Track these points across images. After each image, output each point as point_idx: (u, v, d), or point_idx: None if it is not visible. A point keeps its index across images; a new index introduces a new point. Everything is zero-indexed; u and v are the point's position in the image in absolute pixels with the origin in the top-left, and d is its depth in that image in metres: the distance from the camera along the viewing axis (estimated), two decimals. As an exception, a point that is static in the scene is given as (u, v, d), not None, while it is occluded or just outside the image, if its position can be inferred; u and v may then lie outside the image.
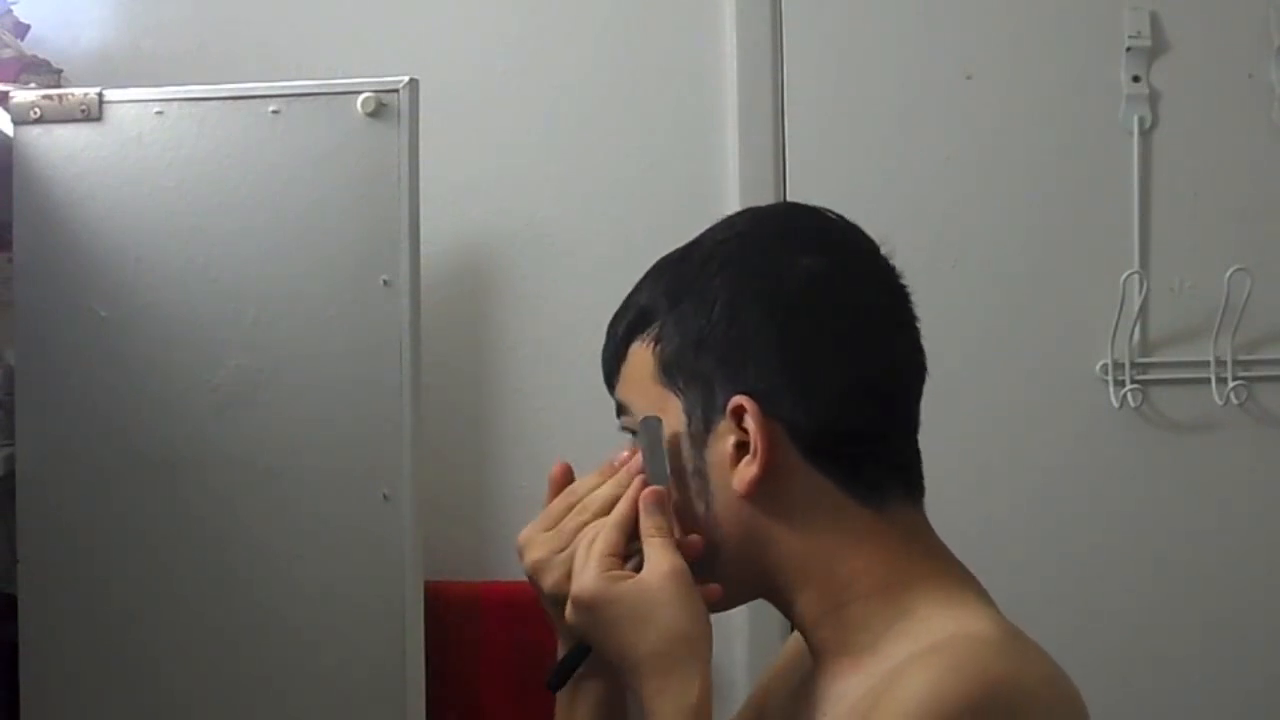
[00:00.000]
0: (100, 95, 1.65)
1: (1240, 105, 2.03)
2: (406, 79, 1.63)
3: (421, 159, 1.64)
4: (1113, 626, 2.02)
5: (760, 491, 0.95)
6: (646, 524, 0.97)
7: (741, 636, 1.88)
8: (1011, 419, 2.04)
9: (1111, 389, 2.01)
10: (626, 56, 2.06)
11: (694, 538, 0.98)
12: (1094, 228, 2.04)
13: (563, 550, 0.99)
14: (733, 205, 1.92)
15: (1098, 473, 2.04)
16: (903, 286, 1.01)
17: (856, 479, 0.96)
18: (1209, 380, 2.01)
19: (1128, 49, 2.03)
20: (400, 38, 2.04)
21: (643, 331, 1.00)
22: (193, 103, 1.65)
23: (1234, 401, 2.01)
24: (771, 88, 2.03)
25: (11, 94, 1.66)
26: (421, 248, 1.64)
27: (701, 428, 0.97)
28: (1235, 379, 2.01)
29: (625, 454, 1.02)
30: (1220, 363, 2.01)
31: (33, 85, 1.74)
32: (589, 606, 0.95)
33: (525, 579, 1.02)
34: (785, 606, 0.99)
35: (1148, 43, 2.02)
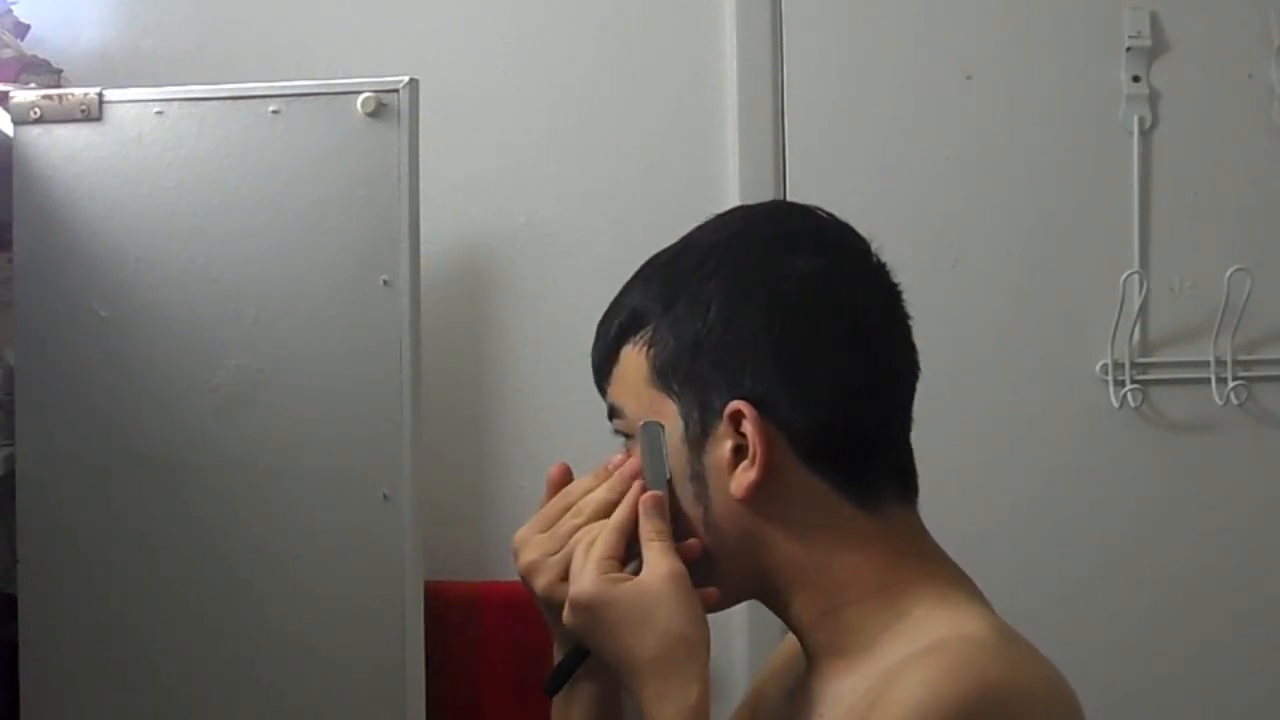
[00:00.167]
0: (100, 95, 1.65)
1: (1240, 105, 2.03)
2: (406, 79, 1.63)
3: (421, 159, 1.64)
4: (1112, 626, 2.02)
5: (758, 496, 0.95)
6: (646, 527, 0.97)
7: (741, 636, 1.88)
8: (1011, 419, 2.04)
9: (1111, 389, 2.01)
10: (626, 56, 2.06)
11: (693, 542, 0.97)
12: (1094, 228, 2.04)
13: (556, 552, 0.99)
14: (732, 205, 1.91)
15: (1098, 473, 2.04)
16: (895, 285, 1.01)
17: (853, 482, 0.96)
18: (1209, 380, 2.01)
19: (1128, 49, 2.02)
20: (400, 38, 2.04)
21: (635, 334, 1.00)
22: (193, 103, 1.65)
23: (1234, 401, 2.01)
24: (771, 88, 2.03)
25: (11, 94, 1.66)
26: (421, 248, 1.64)
27: (699, 431, 0.97)
28: (1235, 379, 2.01)
29: (620, 457, 1.01)
30: (1220, 363, 2.01)
31: (33, 85, 1.74)
32: (587, 608, 0.94)
33: None
34: (781, 609, 0.99)
35: (1148, 43, 2.02)
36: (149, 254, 1.64)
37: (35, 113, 1.64)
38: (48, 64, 1.83)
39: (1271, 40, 2.02)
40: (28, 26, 1.88)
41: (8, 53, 1.80)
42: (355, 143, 1.62)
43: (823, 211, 1.02)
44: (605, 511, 0.99)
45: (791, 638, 1.03)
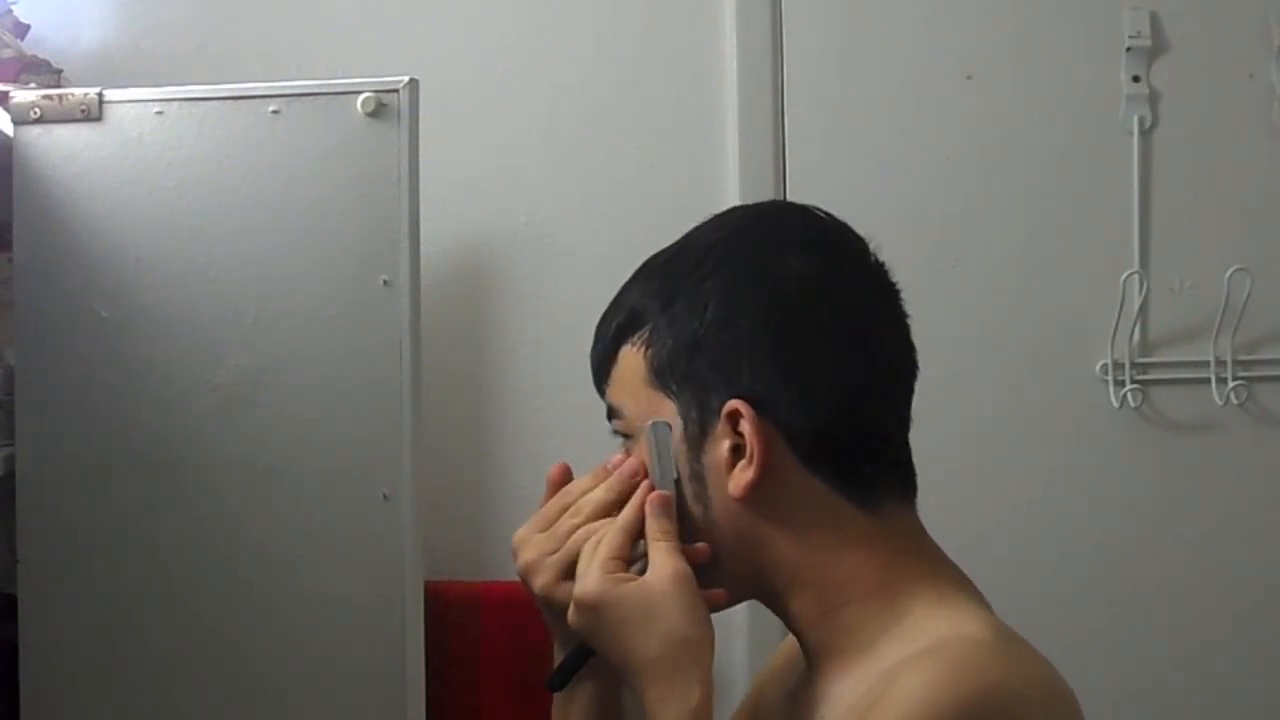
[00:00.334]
0: (100, 95, 1.65)
1: (1240, 105, 2.03)
2: (406, 79, 1.63)
3: (421, 159, 1.64)
4: (1112, 626, 2.02)
5: (756, 495, 0.95)
6: (653, 527, 0.97)
7: (741, 636, 1.88)
8: (1011, 419, 2.04)
9: (1111, 389, 2.01)
10: (626, 56, 2.06)
11: (701, 545, 0.97)
12: (1094, 228, 2.04)
13: (555, 552, 0.99)
14: (732, 205, 1.92)
15: (1098, 473, 2.04)
16: (893, 284, 1.01)
17: (851, 481, 0.96)
18: (1209, 380, 2.01)
19: (1128, 49, 2.02)
20: (400, 38, 2.04)
21: (633, 334, 1.00)
22: (193, 103, 1.65)
23: (1234, 401, 2.01)
24: (771, 88, 2.03)
25: (11, 94, 1.66)
26: (421, 248, 1.64)
27: (697, 431, 0.97)
28: (1235, 379, 2.01)
29: (619, 456, 1.01)
30: (1220, 363, 2.01)
31: (33, 85, 1.74)
32: (592, 608, 0.94)
33: None
34: (780, 609, 0.99)
35: (1148, 43, 2.02)
36: (149, 254, 1.64)
37: (35, 113, 1.64)
38: (48, 64, 1.83)
39: (1271, 40, 2.02)
40: (28, 26, 1.88)
41: (8, 53, 1.80)
42: (355, 143, 1.62)
43: (821, 211, 1.02)
44: (604, 511, 0.99)
45: (792, 638, 1.03)
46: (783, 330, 0.96)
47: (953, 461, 1.93)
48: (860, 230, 1.02)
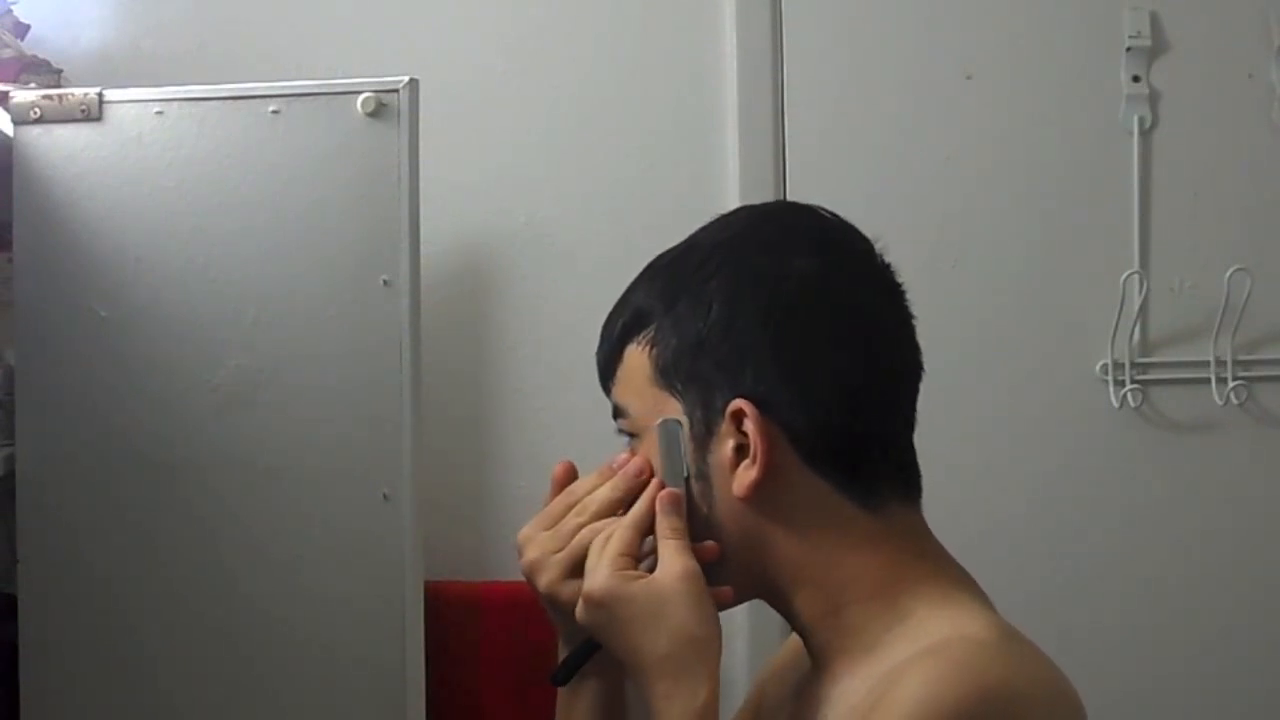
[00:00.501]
0: (100, 95, 1.65)
1: (1240, 105, 2.03)
2: (406, 79, 1.63)
3: (421, 159, 1.64)
4: (1113, 626, 2.02)
5: (759, 495, 0.95)
6: (663, 525, 0.97)
7: (742, 635, 1.88)
8: (1011, 419, 2.04)
9: (1111, 389, 2.01)
10: (626, 56, 2.06)
11: (710, 543, 0.98)
12: (1094, 228, 2.04)
13: (559, 550, 0.99)
14: (732, 205, 1.90)
15: (1098, 473, 2.04)
16: (898, 285, 1.01)
17: (854, 481, 0.96)
18: (1209, 380, 2.01)
19: (1128, 49, 2.03)
20: (400, 38, 2.04)
21: (638, 334, 1.00)
22: (193, 103, 1.65)
23: (1234, 401, 2.01)
24: (771, 88, 2.03)
25: (11, 94, 1.66)
26: (421, 248, 1.64)
27: (702, 430, 0.97)
28: (1235, 379, 2.01)
29: (624, 455, 1.01)
30: (1220, 363, 2.01)
31: (33, 85, 1.74)
32: (601, 604, 0.95)
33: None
34: (784, 608, 0.99)
35: (1148, 43, 2.02)
36: (149, 254, 1.64)
37: (35, 113, 1.64)
38: (48, 64, 1.83)
39: (1271, 40, 2.02)
40: (28, 26, 1.88)
41: (8, 53, 1.80)
42: (355, 143, 1.62)
43: (826, 211, 1.02)
44: (609, 510, 0.99)
45: (795, 637, 1.03)
46: (784, 330, 0.96)
47: (953, 461, 1.93)
48: (861, 230, 1.02)
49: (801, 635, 1.00)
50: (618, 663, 0.98)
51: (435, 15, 2.06)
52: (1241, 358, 2.01)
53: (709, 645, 0.93)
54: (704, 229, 1.03)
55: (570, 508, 1.01)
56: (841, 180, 2.01)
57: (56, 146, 1.64)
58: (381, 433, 1.61)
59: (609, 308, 1.05)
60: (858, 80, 2.05)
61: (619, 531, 0.97)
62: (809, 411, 0.95)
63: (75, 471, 1.64)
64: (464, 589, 1.95)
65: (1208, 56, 2.04)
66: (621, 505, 0.99)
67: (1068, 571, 2.03)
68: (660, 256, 1.03)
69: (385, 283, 1.61)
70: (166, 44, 2.03)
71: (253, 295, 1.63)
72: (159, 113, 1.65)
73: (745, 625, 1.84)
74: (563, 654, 1.04)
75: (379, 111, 1.61)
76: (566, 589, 0.98)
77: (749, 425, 0.94)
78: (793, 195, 2.00)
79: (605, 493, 1.00)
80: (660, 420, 0.98)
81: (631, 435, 1.01)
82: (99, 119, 1.64)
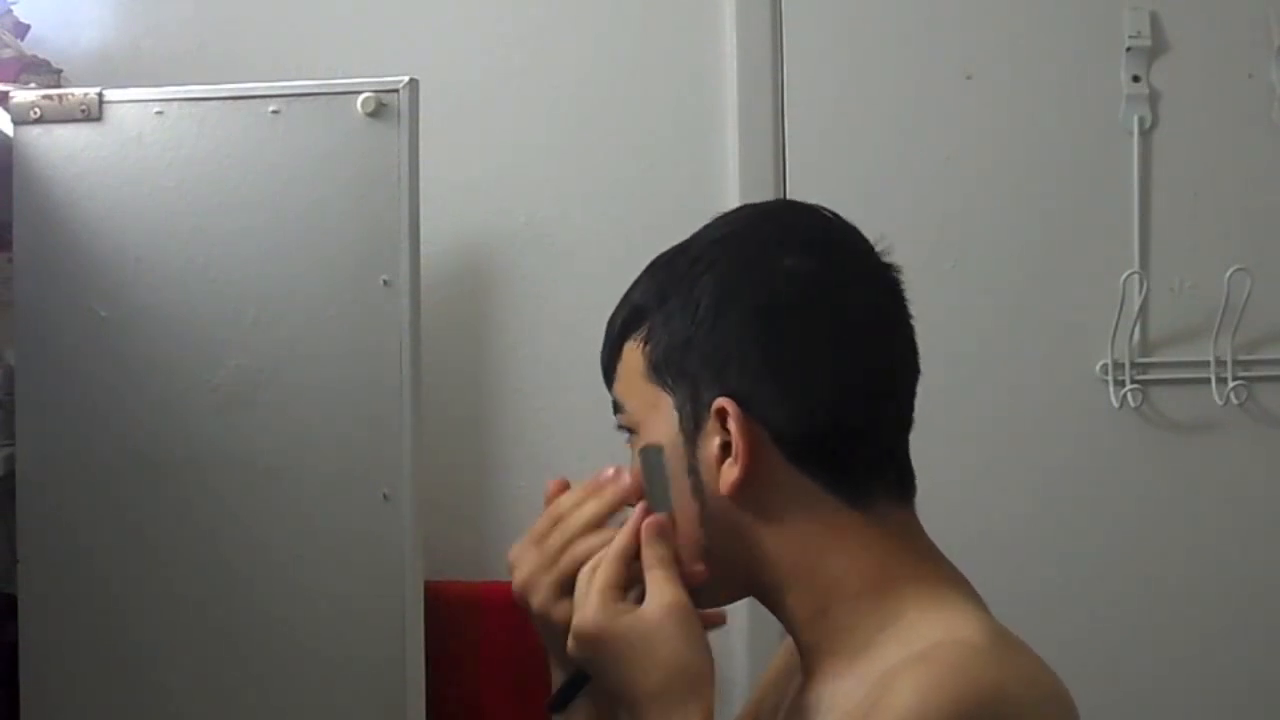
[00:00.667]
0: (100, 95, 1.65)
1: (1240, 105, 2.03)
2: (406, 79, 1.63)
3: (421, 159, 1.64)
4: (1112, 626, 2.02)
5: (744, 493, 0.95)
6: (649, 554, 0.96)
7: (742, 636, 1.88)
8: (1011, 419, 2.04)
9: (1111, 389, 2.01)
10: (626, 56, 2.06)
11: (698, 567, 0.97)
12: (1094, 228, 2.04)
13: (549, 570, 0.99)
14: (732, 205, 1.91)
15: (1098, 473, 2.04)
16: (898, 285, 1.00)
17: (842, 480, 0.96)
18: (1209, 380, 2.01)
19: (1128, 49, 2.03)
20: (400, 38, 2.04)
21: (635, 330, 1.00)
22: (193, 103, 1.64)
23: (1234, 401, 2.01)
24: (771, 88, 2.04)
25: (11, 94, 1.66)
26: (421, 248, 1.64)
27: (692, 427, 0.97)
28: (1235, 379, 2.01)
29: (611, 469, 1.01)
30: (1220, 363, 2.01)
31: (33, 85, 1.74)
32: (591, 641, 0.94)
33: None
34: (774, 606, 0.99)
35: (1148, 43, 2.02)
36: (149, 254, 1.64)
37: (35, 113, 1.64)
38: (48, 64, 1.83)
39: (1271, 40, 2.02)
40: (28, 26, 1.88)
41: (8, 53, 1.80)
42: (355, 143, 1.62)
43: (827, 211, 1.02)
44: (593, 525, 0.99)
45: (789, 641, 1.03)
46: (770, 329, 0.96)
47: (953, 461, 1.94)
48: (862, 230, 1.02)
49: (793, 635, 1.00)
50: (611, 694, 0.97)
51: (435, 15, 2.06)
52: (1241, 358, 2.01)
53: (702, 676, 0.93)
54: (705, 227, 1.03)
55: (556, 522, 1.01)
56: (841, 180, 2.01)
57: (56, 146, 1.64)
58: (381, 433, 1.61)
59: (609, 308, 1.05)
60: (858, 80, 2.05)
61: (605, 564, 0.96)
62: (794, 410, 0.95)
63: (75, 471, 1.64)
64: (464, 589, 1.95)
65: (1208, 56, 2.04)
66: (605, 520, 0.99)
67: (1068, 571, 2.03)
68: (660, 255, 1.04)
69: (385, 283, 1.61)
70: (166, 44, 2.03)
71: (253, 295, 1.63)
72: (159, 113, 1.65)
73: (744, 626, 1.84)
74: (554, 672, 1.04)
75: (379, 111, 1.61)
76: (558, 610, 0.98)
77: (731, 423, 0.94)
78: (793, 195, 2.00)
79: (590, 508, 1.00)
80: (641, 447, 0.99)
81: (630, 430, 1.01)
82: (99, 119, 1.64)
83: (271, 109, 1.64)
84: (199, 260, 1.64)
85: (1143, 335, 2.02)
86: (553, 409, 2.02)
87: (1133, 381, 2.01)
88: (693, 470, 0.97)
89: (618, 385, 1.02)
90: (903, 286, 1.01)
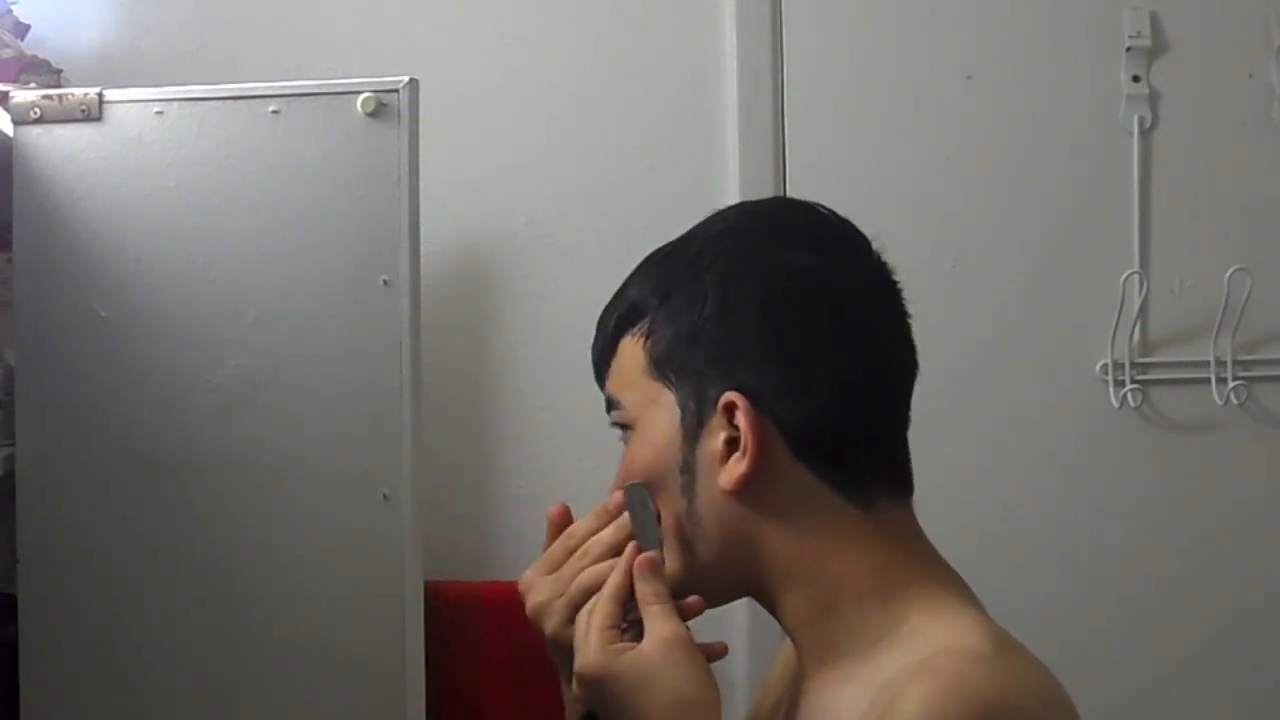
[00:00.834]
0: (100, 95, 1.65)
1: (1240, 105, 2.03)
2: (406, 79, 1.63)
3: (421, 159, 1.64)
4: (1112, 626, 2.02)
5: (748, 489, 0.95)
6: (644, 591, 0.96)
7: (742, 636, 1.88)
8: (1011, 419, 2.04)
9: (1111, 389, 2.01)
10: (626, 56, 2.06)
11: (693, 599, 0.97)
12: (1094, 228, 2.04)
13: (564, 595, 0.99)
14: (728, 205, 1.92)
15: (1098, 473, 2.04)
16: (895, 283, 1.01)
17: (845, 478, 0.96)
18: (1209, 380, 2.01)
19: (1128, 49, 2.03)
20: (400, 38, 2.04)
21: (633, 326, 1.00)
22: (193, 103, 1.65)
23: (1234, 401, 2.01)
24: (771, 88, 2.03)
25: (11, 94, 1.66)
26: (421, 248, 1.64)
27: (694, 423, 0.97)
28: (1235, 379, 2.01)
29: (618, 495, 1.01)
30: (1220, 363, 2.01)
31: (33, 85, 1.74)
32: (594, 682, 0.94)
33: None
34: (772, 606, 0.99)
35: (1148, 43, 2.02)
36: (149, 254, 1.64)
37: (35, 113, 1.64)
38: (48, 64, 1.83)
39: (1271, 40, 2.02)
40: (28, 26, 1.88)
41: (8, 53, 1.80)
42: (355, 143, 1.62)
43: (824, 208, 1.02)
44: (612, 552, 0.99)
45: (788, 645, 1.03)
46: (780, 325, 0.96)
47: (953, 461, 1.94)
48: (861, 230, 1.02)
49: (791, 635, 0.99)
50: None
51: (435, 15, 2.06)
52: (1241, 358, 2.01)
53: (707, 708, 0.93)
54: (701, 224, 1.03)
55: (571, 551, 1.01)
56: (841, 180, 2.01)
57: (56, 146, 1.64)
58: (381, 433, 1.61)
59: (609, 307, 1.05)
60: (858, 80, 2.05)
61: (600, 605, 0.96)
62: (801, 406, 0.95)
63: (75, 471, 1.64)
64: (464, 589, 1.95)
65: (1208, 56, 2.04)
66: (623, 546, 0.99)
67: (1067, 571, 2.03)
68: (656, 251, 1.03)
69: (385, 283, 1.61)
70: (166, 44, 2.03)
71: (253, 295, 1.63)
72: (159, 113, 1.65)
73: (744, 626, 1.84)
74: (565, 692, 1.03)
75: (379, 111, 1.61)
76: (571, 634, 0.97)
77: (740, 418, 0.94)
78: (792, 195, 1.99)
79: (609, 535, 1.00)
80: (626, 485, 0.99)
81: (625, 427, 1.01)
82: (99, 119, 1.64)
83: (271, 109, 1.64)
84: (199, 260, 1.64)
85: (1143, 335, 2.02)
86: (553, 409, 2.02)
87: (1133, 381, 2.01)
88: (688, 468, 0.97)
89: (612, 382, 1.02)
90: (899, 285, 1.01)
